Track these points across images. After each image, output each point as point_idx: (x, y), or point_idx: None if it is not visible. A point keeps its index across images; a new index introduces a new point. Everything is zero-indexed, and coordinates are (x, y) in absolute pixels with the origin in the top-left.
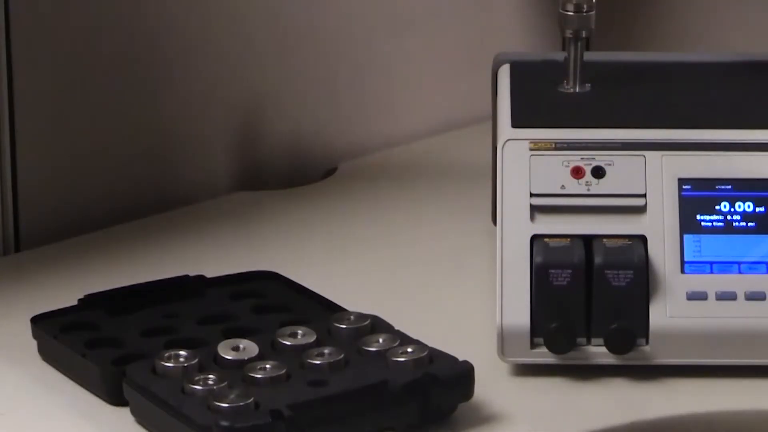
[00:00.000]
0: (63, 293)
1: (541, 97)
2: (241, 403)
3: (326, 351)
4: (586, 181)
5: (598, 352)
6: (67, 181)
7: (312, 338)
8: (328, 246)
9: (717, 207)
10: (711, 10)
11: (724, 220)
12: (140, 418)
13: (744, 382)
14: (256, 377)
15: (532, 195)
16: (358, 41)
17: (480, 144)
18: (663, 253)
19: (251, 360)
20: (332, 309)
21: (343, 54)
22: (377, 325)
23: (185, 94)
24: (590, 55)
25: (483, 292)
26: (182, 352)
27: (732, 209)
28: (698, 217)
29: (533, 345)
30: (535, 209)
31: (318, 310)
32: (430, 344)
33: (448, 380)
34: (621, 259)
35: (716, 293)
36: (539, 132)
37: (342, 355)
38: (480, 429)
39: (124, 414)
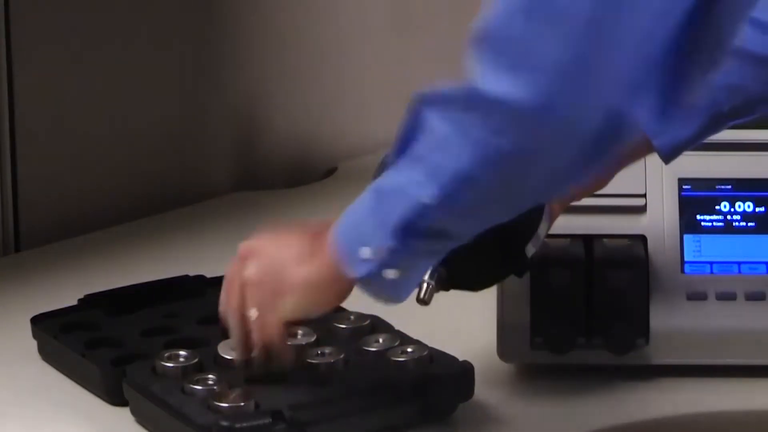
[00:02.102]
0: (63, 293)
1: None
2: (241, 403)
3: (326, 351)
4: None
5: (598, 352)
6: (67, 181)
7: (312, 338)
8: None
9: (717, 207)
10: None
11: (724, 220)
12: (140, 418)
13: (744, 382)
14: (256, 377)
15: None
16: (358, 41)
17: None
18: (663, 253)
19: (251, 360)
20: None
21: (343, 54)
22: (377, 325)
23: (185, 94)
24: None
25: (483, 292)
26: (182, 352)
27: (732, 209)
28: (698, 217)
29: (533, 345)
30: None
31: None
32: (430, 344)
33: (448, 380)
34: (621, 259)
35: (716, 293)
36: None
37: (342, 355)
38: (480, 429)
39: (124, 414)
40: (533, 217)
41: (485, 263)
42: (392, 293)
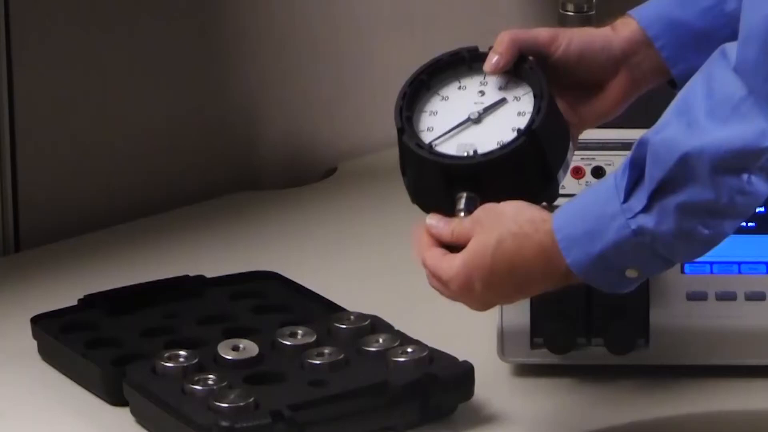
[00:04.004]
0: (63, 293)
1: None
2: (241, 403)
3: (326, 351)
4: (586, 181)
5: (598, 352)
6: (67, 181)
7: (312, 338)
8: (328, 246)
9: None
10: None
11: None
12: (140, 418)
13: (744, 382)
14: (256, 377)
15: None
16: (358, 41)
17: None
18: None
19: (251, 360)
20: (332, 309)
21: (343, 54)
22: (377, 325)
23: (185, 94)
24: None
25: None
26: (182, 352)
27: None
28: None
29: (533, 345)
30: None
31: (318, 310)
32: (430, 344)
33: (448, 380)
34: None
35: (716, 293)
36: None
37: (342, 355)
38: (480, 429)
39: (124, 414)
40: (564, 143)
41: (520, 191)
42: (620, 288)
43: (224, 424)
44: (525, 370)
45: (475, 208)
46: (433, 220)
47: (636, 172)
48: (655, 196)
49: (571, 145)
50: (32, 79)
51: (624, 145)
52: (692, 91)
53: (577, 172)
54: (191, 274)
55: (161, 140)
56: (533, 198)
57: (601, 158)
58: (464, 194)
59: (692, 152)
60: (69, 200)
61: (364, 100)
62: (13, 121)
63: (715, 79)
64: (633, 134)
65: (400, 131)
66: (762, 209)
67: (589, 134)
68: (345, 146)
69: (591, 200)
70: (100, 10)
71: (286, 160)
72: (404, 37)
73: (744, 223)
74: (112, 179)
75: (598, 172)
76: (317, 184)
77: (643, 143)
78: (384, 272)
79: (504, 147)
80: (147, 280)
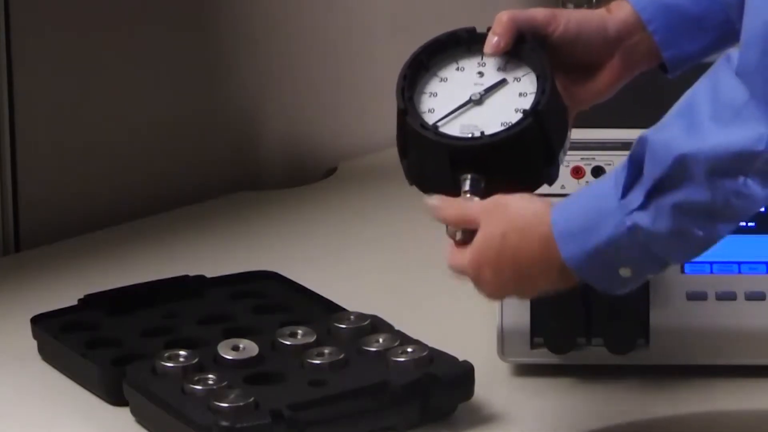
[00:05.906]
0: (63, 293)
1: None
2: (241, 403)
3: (326, 351)
4: (587, 181)
5: (598, 352)
6: (68, 181)
7: (312, 338)
8: (328, 246)
9: None
10: None
11: None
12: (140, 418)
13: (744, 382)
14: (256, 377)
15: None
16: (358, 41)
17: None
18: None
19: (251, 360)
20: (332, 309)
21: (343, 54)
22: (377, 325)
23: (185, 94)
24: None
25: None
26: (182, 352)
27: None
28: None
29: (533, 345)
30: None
31: (318, 310)
32: (430, 344)
33: (448, 380)
34: None
35: (716, 293)
36: None
37: (342, 355)
38: (480, 429)
39: (124, 414)
40: (564, 124)
41: (524, 172)
42: (615, 288)
43: (224, 424)
44: (525, 370)
45: (480, 189)
46: (436, 201)
47: (635, 169)
48: (651, 194)
49: (570, 127)
50: (32, 79)
51: (624, 145)
52: (696, 93)
53: (577, 172)
54: (191, 274)
55: (161, 140)
56: (535, 180)
57: (601, 158)
58: (469, 175)
59: (689, 153)
60: (69, 200)
61: (364, 100)
62: (13, 121)
63: (720, 84)
64: (633, 134)
65: (403, 112)
66: (762, 209)
67: (589, 134)
68: (345, 146)
69: (590, 195)
70: (100, 11)
71: (286, 160)
72: (404, 37)
73: (744, 223)
74: (112, 179)
75: (598, 172)
76: (317, 184)
77: (642, 141)
78: (384, 272)
79: (510, 128)
80: (147, 280)
